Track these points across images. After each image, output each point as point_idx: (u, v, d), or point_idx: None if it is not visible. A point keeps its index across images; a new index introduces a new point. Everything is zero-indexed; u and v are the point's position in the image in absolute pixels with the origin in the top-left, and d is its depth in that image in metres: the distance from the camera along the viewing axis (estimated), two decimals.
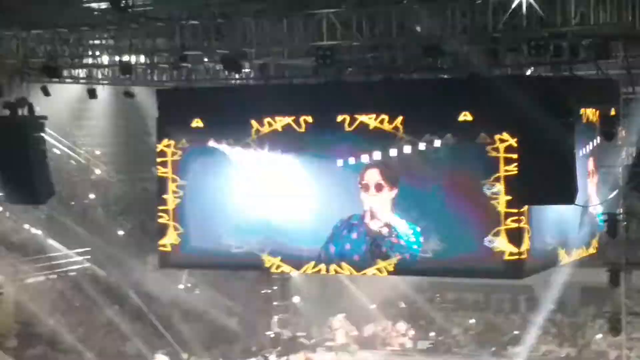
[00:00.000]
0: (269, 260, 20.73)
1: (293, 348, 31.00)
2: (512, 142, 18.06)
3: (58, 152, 32.81)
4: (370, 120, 19.46)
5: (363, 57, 19.72)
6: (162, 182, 21.99)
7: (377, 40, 18.10)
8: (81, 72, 24.36)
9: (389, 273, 19.92)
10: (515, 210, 18.48)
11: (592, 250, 21.61)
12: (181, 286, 33.84)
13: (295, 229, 20.57)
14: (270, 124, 20.55)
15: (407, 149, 19.33)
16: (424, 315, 35.47)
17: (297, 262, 20.81)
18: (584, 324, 33.53)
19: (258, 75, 22.41)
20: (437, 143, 19.06)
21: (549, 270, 20.36)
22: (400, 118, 19.25)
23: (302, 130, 20.20)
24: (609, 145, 18.41)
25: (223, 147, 21.10)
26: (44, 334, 30.24)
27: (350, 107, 19.62)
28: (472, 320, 35.01)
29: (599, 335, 31.97)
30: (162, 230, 22.04)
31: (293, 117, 20.21)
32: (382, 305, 35.76)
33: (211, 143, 21.20)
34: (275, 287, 32.92)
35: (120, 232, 34.69)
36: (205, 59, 22.53)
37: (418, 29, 17.61)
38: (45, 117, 22.03)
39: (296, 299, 33.42)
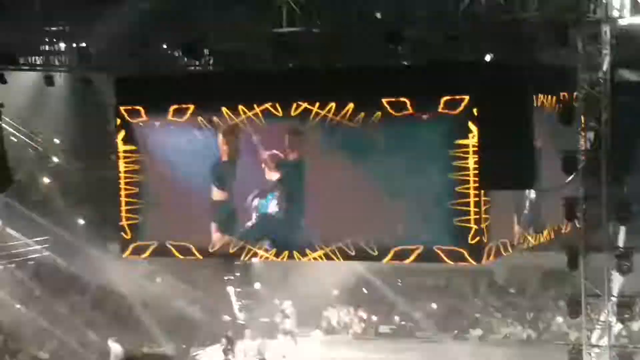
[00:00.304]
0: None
1: (254, 334, 30.93)
2: (472, 127, 18.13)
3: (16, 140, 32.48)
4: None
5: (323, 44, 19.71)
6: (120, 171, 21.94)
7: (337, 26, 18.09)
8: (38, 60, 24.15)
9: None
10: (476, 196, 18.58)
11: (550, 235, 21.84)
12: (142, 274, 33.65)
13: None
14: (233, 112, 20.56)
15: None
16: (385, 300, 35.56)
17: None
18: (544, 306, 33.80)
19: (217, 62, 22.33)
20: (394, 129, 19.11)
21: (509, 254, 20.48)
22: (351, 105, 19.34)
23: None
24: (567, 130, 18.55)
25: (179, 135, 21.10)
26: (4, 324, 30.00)
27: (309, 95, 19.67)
28: (434, 305, 35.16)
29: (560, 318, 32.27)
30: (122, 218, 21.99)
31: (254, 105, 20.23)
32: (343, 291, 35.80)
33: (166, 131, 21.18)
34: (237, 274, 32.78)
35: (80, 221, 34.43)
36: (164, 46, 22.45)
37: (378, 15, 17.63)
38: (1, 105, 21.84)
39: (257, 285, 33.39)
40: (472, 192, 18.54)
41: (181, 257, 21.97)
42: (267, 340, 30.57)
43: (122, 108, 21.69)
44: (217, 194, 21.05)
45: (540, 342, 32.00)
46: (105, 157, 26.77)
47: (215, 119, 20.68)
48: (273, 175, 20.45)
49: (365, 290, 36.14)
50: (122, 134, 21.74)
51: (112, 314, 31.89)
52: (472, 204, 18.62)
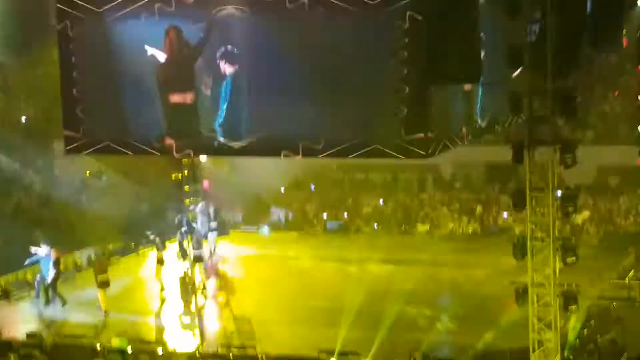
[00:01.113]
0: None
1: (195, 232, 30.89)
2: (417, 19, 17.88)
3: None
4: None
5: None
6: (63, 66, 21.45)
7: None
8: None
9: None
10: (418, 90, 18.44)
11: (496, 129, 21.91)
12: (88, 172, 33.40)
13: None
14: None
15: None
16: (333, 197, 35.74)
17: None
18: (489, 200, 34.20)
19: None
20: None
21: (454, 148, 20.52)
22: None
23: None
24: (513, 23, 18.39)
25: (127, 26, 20.56)
26: None
27: None
28: (381, 200, 35.42)
29: (505, 213, 32.71)
30: (67, 115, 21.61)
31: None
32: (291, 187, 35.90)
33: (112, 22, 20.64)
34: (186, 171, 32.51)
35: (23, 118, 33.91)
36: None
37: None
38: None
39: (205, 183, 33.23)
40: (418, 86, 18.37)
41: (127, 154, 21.74)
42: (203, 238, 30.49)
43: None
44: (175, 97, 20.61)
45: (485, 236, 32.44)
46: (48, 51, 26.19)
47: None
48: (227, 70, 20.05)
49: (312, 187, 36.31)
50: (64, 26, 21.16)
51: (58, 212, 31.66)
52: (417, 98, 18.49)
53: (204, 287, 26.06)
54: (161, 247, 27.50)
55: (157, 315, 25.40)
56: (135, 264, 29.62)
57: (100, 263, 25.12)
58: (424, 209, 34.74)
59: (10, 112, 33.40)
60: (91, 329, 23.55)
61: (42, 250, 26.01)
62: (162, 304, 25.96)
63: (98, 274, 24.91)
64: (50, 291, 25.71)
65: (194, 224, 28.28)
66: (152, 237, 28.58)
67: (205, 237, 28.71)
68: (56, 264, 25.87)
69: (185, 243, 28.34)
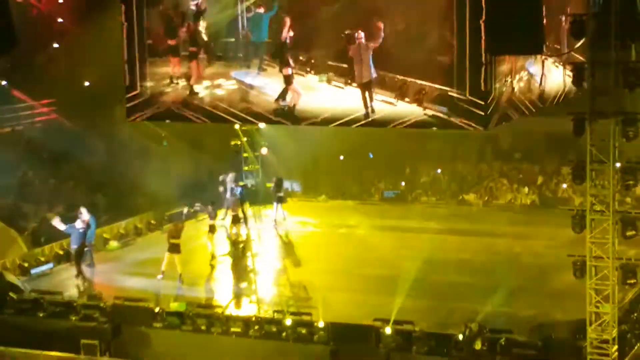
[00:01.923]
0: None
1: (261, 198, 31.15)
2: None
3: (20, 1, 32.07)
4: None
5: None
6: (129, 29, 21.67)
7: None
8: None
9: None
10: (482, 61, 18.39)
11: (556, 100, 21.76)
12: (150, 138, 33.69)
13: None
14: None
15: None
16: (390, 166, 35.65)
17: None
18: (549, 172, 33.90)
19: None
20: None
21: (514, 119, 20.42)
22: None
23: None
24: None
25: None
26: (12, 186, 30.19)
27: None
28: (439, 170, 35.29)
29: (564, 184, 32.42)
30: (130, 80, 21.85)
31: None
32: (350, 156, 35.87)
33: None
34: (245, 139, 32.72)
35: (86, 83, 34.25)
36: None
37: None
38: None
39: (264, 150, 33.42)
40: (479, 57, 18.32)
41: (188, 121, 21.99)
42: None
43: None
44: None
45: (544, 207, 32.18)
46: (112, 17, 26.42)
47: None
48: None
49: (371, 155, 36.27)
50: None
51: (119, 176, 31.99)
52: (479, 70, 18.44)
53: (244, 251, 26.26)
54: (213, 215, 27.77)
55: (214, 280, 25.68)
56: (194, 229, 29.89)
57: (175, 228, 25.38)
58: (482, 179, 34.54)
59: (74, 78, 33.72)
60: (150, 292, 23.84)
61: (84, 216, 26.05)
62: (213, 270, 26.22)
63: (171, 238, 25.09)
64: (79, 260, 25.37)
65: (225, 192, 28.58)
66: (198, 207, 28.87)
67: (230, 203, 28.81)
68: (82, 235, 25.59)
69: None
